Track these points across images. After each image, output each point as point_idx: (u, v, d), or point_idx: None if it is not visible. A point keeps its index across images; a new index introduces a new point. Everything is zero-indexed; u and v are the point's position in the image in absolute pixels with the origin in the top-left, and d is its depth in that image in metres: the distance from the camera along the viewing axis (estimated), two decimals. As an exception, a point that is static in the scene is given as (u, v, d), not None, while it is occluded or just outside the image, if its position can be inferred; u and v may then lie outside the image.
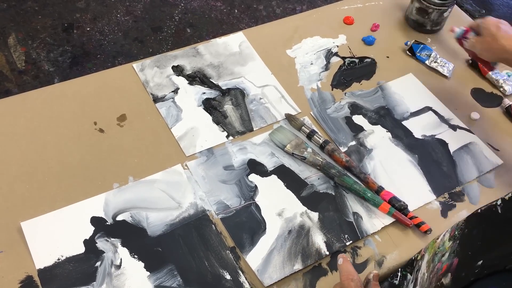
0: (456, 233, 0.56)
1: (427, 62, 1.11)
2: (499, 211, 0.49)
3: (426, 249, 0.65)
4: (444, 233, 0.60)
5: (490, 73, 1.09)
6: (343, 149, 0.94)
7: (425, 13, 1.13)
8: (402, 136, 0.97)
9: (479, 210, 0.54)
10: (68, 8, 2.23)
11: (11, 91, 1.90)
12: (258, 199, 0.85)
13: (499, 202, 0.50)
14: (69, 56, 2.06)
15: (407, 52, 1.13)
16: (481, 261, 0.45)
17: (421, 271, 0.62)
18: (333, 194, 0.87)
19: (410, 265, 0.70)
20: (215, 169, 0.88)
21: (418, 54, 1.12)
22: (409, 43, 1.13)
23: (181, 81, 1.01)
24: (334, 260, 0.80)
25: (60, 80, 1.97)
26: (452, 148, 0.96)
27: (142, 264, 0.76)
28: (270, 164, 0.90)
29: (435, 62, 1.10)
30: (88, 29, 2.17)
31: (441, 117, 1.01)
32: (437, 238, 0.63)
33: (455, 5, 1.16)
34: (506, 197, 0.49)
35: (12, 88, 1.92)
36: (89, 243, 0.77)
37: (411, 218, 0.84)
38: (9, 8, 2.19)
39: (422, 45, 1.12)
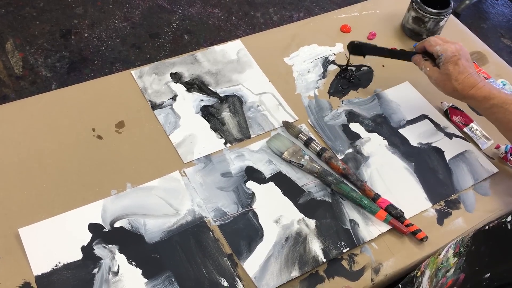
0: (462, 249, 0.55)
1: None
2: (509, 227, 0.49)
3: (427, 265, 0.65)
4: (447, 249, 0.60)
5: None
6: (340, 156, 0.94)
7: (421, 22, 1.14)
8: (399, 144, 0.98)
9: (486, 227, 0.52)
10: (66, 14, 2.24)
11: (9, 97, 1.90)
12: (256, 206, 0.85)
13: (508, 218, 0.49)
14: (66, 62, 2.06)
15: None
16: (489, 274, 0.45)
17: (422, 287, 0.62)
18: (330, 201, 0.88)
19: (410, 283, 0.70)
20: (213, 176, 0.88)
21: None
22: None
23: (179, 88, 1.02)
24: (331, 267, 0.80)
25: (58, 85, 1.97)
26: (448, 156, 0.97)
27: (140, 271, 0.76)
28: (267, 171, 0.90)
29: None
30: (86, 35, 2.17)
31: (437, 125, 1.02)
32: (439, 254, 0.62)
33: (451, 14, 1.17)
34: None
35: (10, 93, 1.92)
36: (87, 249, 0.77)
37: (407, 226, 0.85)
38: (7, 14, 2.19)
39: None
